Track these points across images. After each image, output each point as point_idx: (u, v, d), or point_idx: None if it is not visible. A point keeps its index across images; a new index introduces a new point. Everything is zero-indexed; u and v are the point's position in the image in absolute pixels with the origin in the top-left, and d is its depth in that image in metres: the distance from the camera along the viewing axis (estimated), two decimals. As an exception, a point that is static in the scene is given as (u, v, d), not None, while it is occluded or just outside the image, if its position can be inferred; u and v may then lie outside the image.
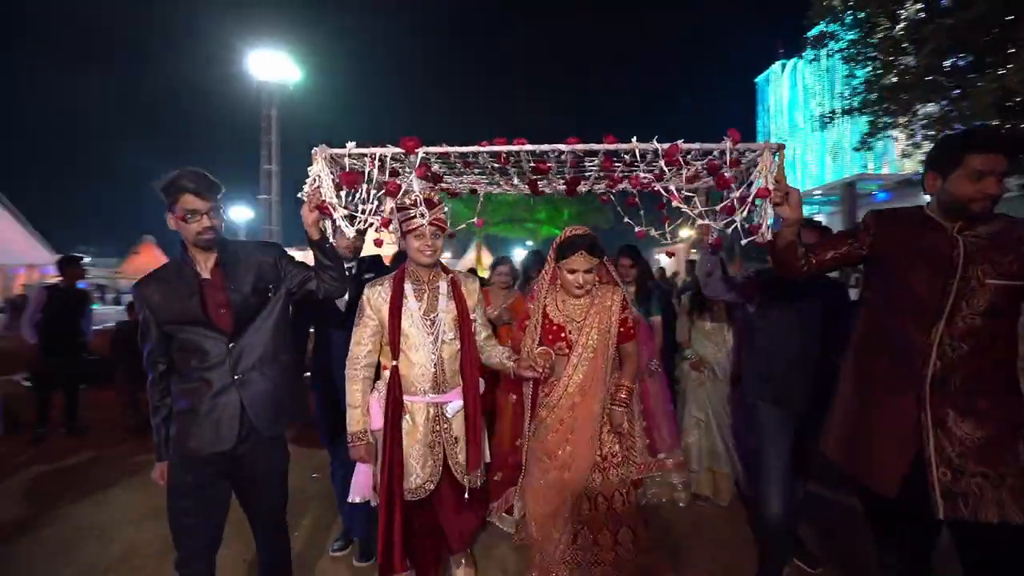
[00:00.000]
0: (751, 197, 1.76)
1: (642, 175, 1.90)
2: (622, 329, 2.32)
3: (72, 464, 4.72)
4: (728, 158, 1.77)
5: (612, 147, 1.84)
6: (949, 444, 1.64)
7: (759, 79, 31.19)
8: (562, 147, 1.84)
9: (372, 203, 1.91)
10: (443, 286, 2.27)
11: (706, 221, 1.83)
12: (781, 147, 1.77)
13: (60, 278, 5.58)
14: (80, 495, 3.96)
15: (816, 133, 22.45)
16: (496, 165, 2.03)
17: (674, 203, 1.81)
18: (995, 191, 1.65)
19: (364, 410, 2.20)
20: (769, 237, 1.80)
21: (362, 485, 2.29)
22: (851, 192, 17.90)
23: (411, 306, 2.18)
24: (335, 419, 2.72)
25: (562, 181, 2.28)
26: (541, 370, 2.14)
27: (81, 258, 6.08)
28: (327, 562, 2.94)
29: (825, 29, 9.83)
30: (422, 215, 2.07)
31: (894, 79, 9.28)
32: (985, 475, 1.60)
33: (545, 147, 1.85)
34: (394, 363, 2.15)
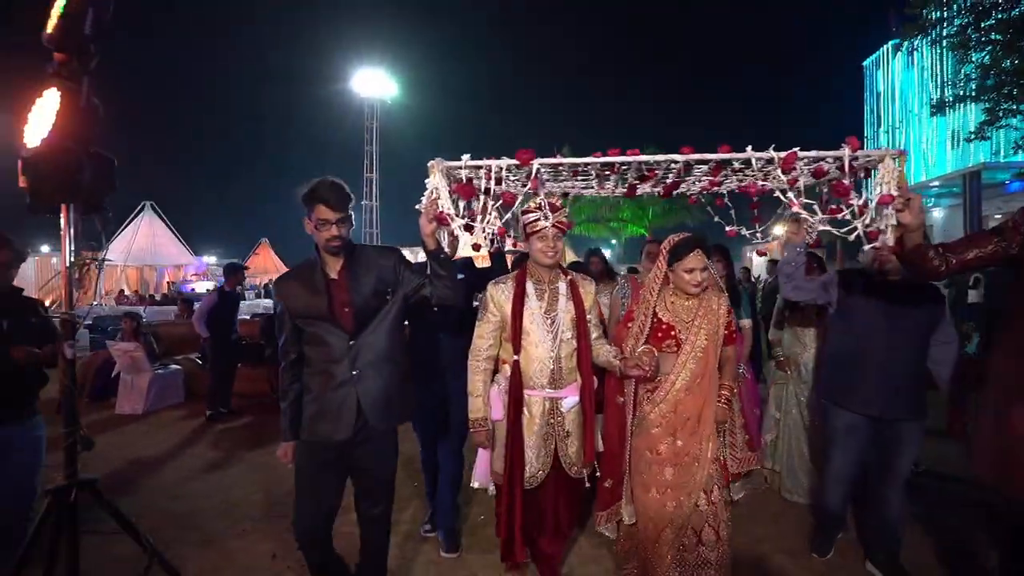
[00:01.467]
0: (873, 204, 1.62)
1: (760, 181, 1.79)
2: (727, 332, 2.26)
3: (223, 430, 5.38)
4: (846, 165, 1.65)
5: (728, 156, 1.76)
6: None
7: (867, 62, 28.11)
8: (677, 157, 1.78)
9: (491, 213, 1.93)
10: (562, 287, 2.28)
11: (825, 226, 1.70)
12: (903, 154, 1.63)
13: (226, 281, 6.27)
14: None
15: (934, 119, 19.29)
16: (606, 173, 2.00)
17: (793, 208, 1.70)
18: None
19: (485, 399, 2.26)
20: (891, 242, 1.65)
21: (482, 473, 2.37)
22: (976, 183, 15.05)
23: (532, 305, 2.21)
24: (431, 415, 2.83)
25: (658, 185, 2.21)
26: (648, 368, 2.10)
27: (245, 267, 6.85)
28: (418, 542, 3.01)
29: (931, 16, 8.94)
30: (546, 218, 2.08)
31: (1012, 64, 8.28)
32: None
33: (660, 157, 1.80)
34: (515, 358, 2.19)
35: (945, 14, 9.00)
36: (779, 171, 1.70)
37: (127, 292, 18.25)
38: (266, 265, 25.95)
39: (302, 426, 2.02)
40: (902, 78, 24.38)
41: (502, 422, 2.24)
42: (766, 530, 3.03)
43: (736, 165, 1.80)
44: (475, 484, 2.38)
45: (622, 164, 1.85)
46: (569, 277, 2.30)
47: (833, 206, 1.80)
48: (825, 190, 1.82)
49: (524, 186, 2.17)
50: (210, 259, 26.52)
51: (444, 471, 2.93)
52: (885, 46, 24.96)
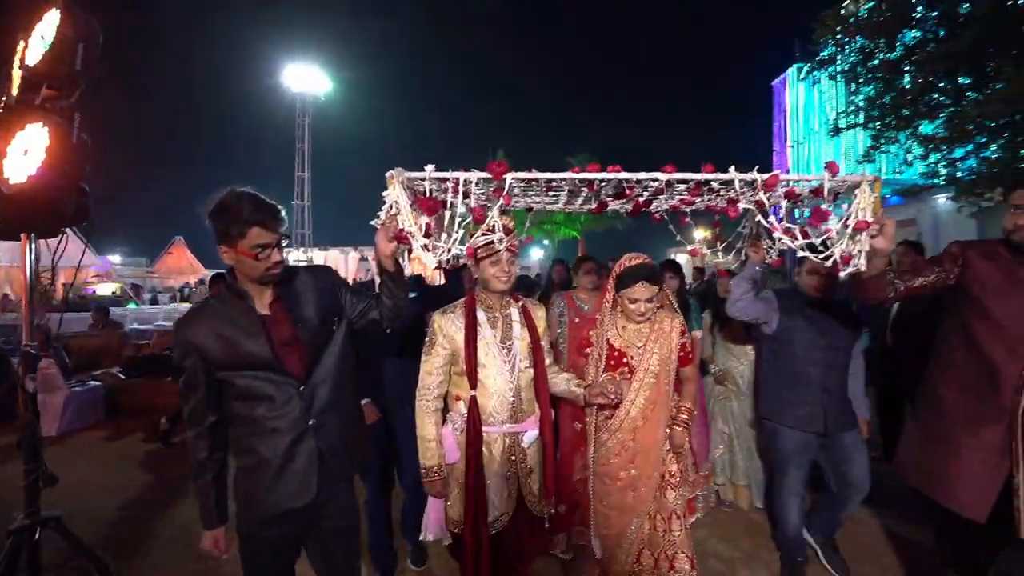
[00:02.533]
0: (850, 229, 1.56)
1: (740, 204, 1.68)
2: (682, 354, 2.17)
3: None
4: (825, 190, 1.57)
5: (711, 176, 1.63)
6: None
7: (775, 83, 30.23)
8: (659, 175, 1.63)
9: (457, 232, 1.68)
10: (515, 313, 2.07)
11: (803, 252, 1.61)
12: (877, 180, 1.58)
13: (211, 292, 5.45)
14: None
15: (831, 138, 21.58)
16: (581, 190, 1.82)
17: (775, 234, 1.60)
18: None
19: (438, 443, 1.98)
20: (863, 267, 1.62)
21: (434, 522, 2.05)
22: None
23: (486, 334, 1.98)
24: (380, 453, 2.54)
25: (629, 202, 2.07)
26: (612, 396, 1.95)
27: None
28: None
29: (828, 53, 9.64)
30: (500, 241, 1.86)
31: (892, 99, 9.09)
32: None
33: (642, 175, 1.64)
34: (472, 394, 1.94)
35: (838, 52, 9.72)
36: (761, 194, 1.59)
37: (11, 296, 15.87)
38: (181, 266, 23.86)
39: (247, 504, 1.62)
40: (805, 99, 26.55)
41: (458, 465, 1.98)
42: (738, 546, 2.99)
43: (715, 185, 1.68)
44: (430, 537, 2.06)
45: (601, 181, 1.67)
46: (521, 302, 2.09)
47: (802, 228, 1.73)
48: (805, 213, 1.75)
49: (489, 200, 1.95)
50: (114, 258, 24.03)
51: (408, 507, 2.68)
52: (791, 69, 26.97)
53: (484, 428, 1.94)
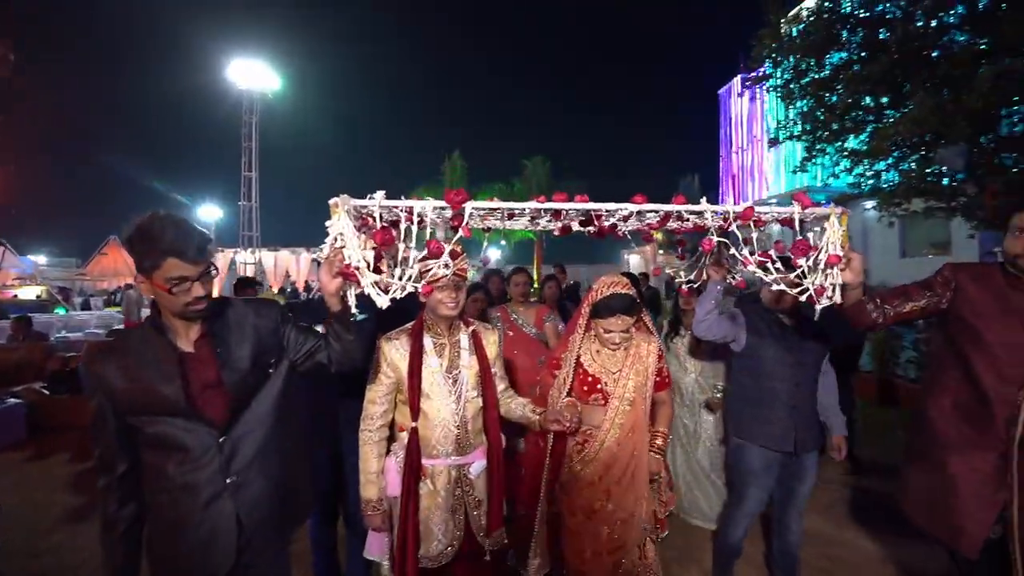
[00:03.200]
0: (822, 263, 1.48)
1: (713, 236, 1.56)
2: (658, 379, 2.06)
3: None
4: (797, 222, 1.49)
5: (684, 208, 1.52)
6: None
7: (722, 91, 31.08)
8: (630, 207, 1.50)
9: (412, 266, 1.47)
10: (464, 340, 1.92)
11: (780, 286, 1.51)
12: (845, 212, 1.50)
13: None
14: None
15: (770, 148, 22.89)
16: (545, 217, 1.66)
17: (748, 267, 1.50)
18: None
19: (380, 475, 1.83)
20: (839, 300, 1.54)
21: (375, 546, 1.91)
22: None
23: (432, 363, 1.83)
24: (325, 482, 2.31)
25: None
26: (568, 424, 1.82)
27: (257, 281, 5.52)
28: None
29: (766, 70, 10.02)
30: (446, 266, 1.67)
31: (822, 115, 9.52)
32: None
33: (611, 206, 1.50)
34: (413, 425, 1.79)
35: (775, 69, 10.12)
36: (734, 226, 1.49)
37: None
38: (116, 267, 22.21)
39: (157, 570, 1.39)
40: (748, 109, 27.67)
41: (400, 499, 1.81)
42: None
43: (684, 214, 1.57)
44: (371, 556, 1.93)
45: (567, 210, 1.52)
46: (471, 328, 1.93)
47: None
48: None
49: (445, 229, 1.77)
50: (40, 259, 22.07)
51: (349, 544, 2.41)
52: (736, 78, 28.01)
53: (428, 461, 1.80)
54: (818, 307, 1.50)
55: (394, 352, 1.82)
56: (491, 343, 1.97)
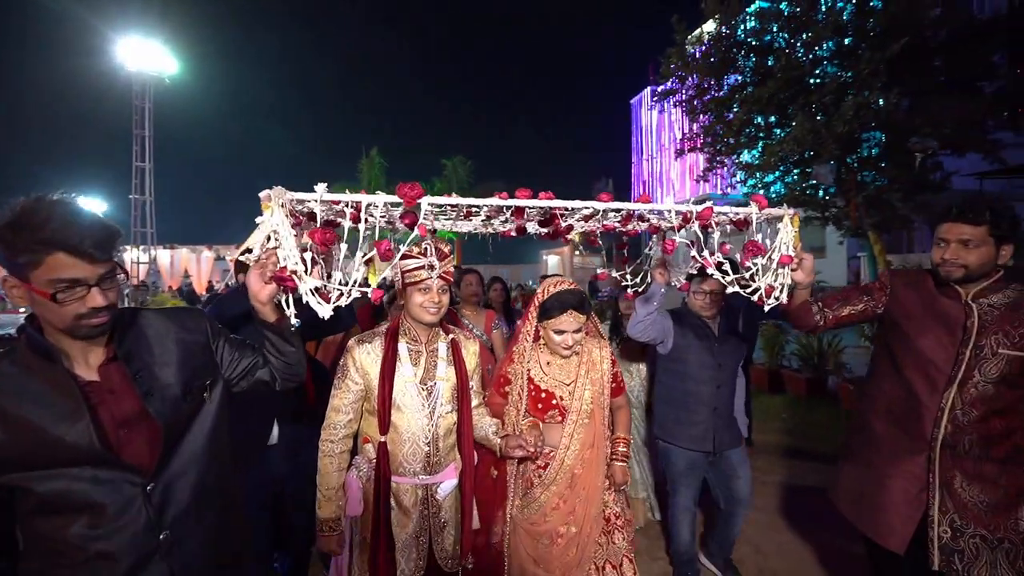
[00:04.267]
0: (774, 264, 1.48)
1: (675, 237, 1.51)
2: (614, 384, 1.95)
3: None
4: (753, 223, 1.48)
5: (647, 206, 1.46)
6: (953, 505, 1.53)
7: (633, 101, 31.92)
8: (597, 205, 1.41)
9: (358, 270, 1.27)
10: (442, 348, 1.71)
11: (734, 287, 1.49)
12: (796, 214, 1.53)
13: None
14: None
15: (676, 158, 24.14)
16: (504, 216, 1.52)
17: (708, 269, 1.47)
18: (952, 256, 1.53)
19: (340, 491, 1.59)
20: (784, 300, 1.55)
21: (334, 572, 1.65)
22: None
23: (406, 372, 1.62)
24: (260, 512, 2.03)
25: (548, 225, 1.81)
26: (533, 449, 1.68)
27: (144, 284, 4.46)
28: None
29: (671, 87, 10.62)
30: (431, 267, 1.52)
31: (720, 130, 10.27)
32: (984, 537, 1.50)
33: (577, 203, 1.39)
34: (382, 439, 1.57)
35: (680, 85, 10.75)
36: (696, 226, 1.45)
37: None
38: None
39: None
40: (657, 119, 28.89)
41: (362, 518, 1.61)
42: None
43: (646, 215, 1.51)
44: None
45: (531, 208, 1.39)
46: (451, 336, 1.75)
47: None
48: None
49: (392, 227, 1.58)
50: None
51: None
52: (646, 89, 29.22)
53: (394, 478, 1.60)
54: (766, 307, 1.50)
55: (365, 356, 1.60)
56: (471, 354, 1.78)
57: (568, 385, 1.84)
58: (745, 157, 10.36)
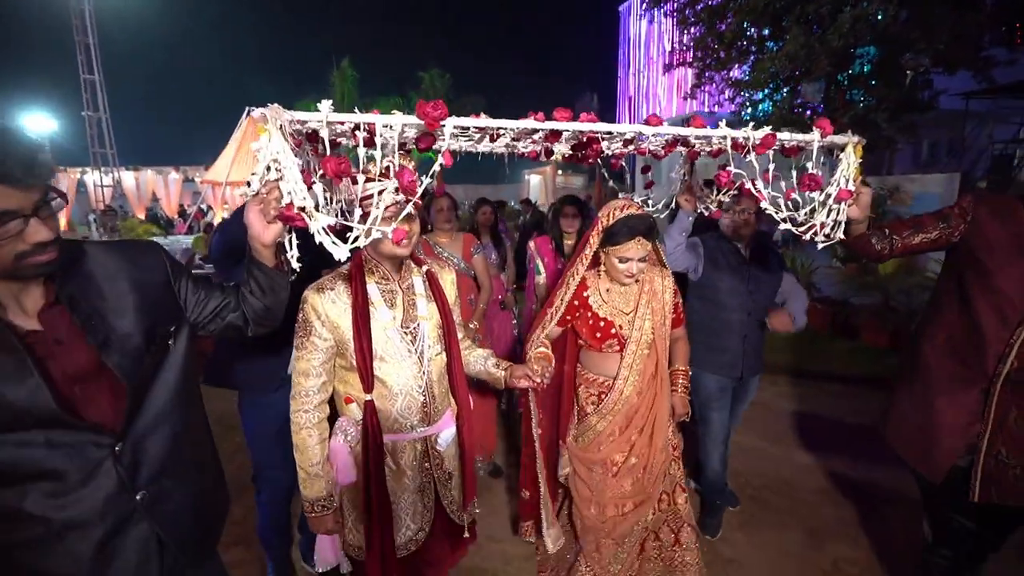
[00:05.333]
0: (831, 199, 1.32)
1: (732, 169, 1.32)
2: (674, 315, 1.81)
3: None
4: (815, 152, 1.29)
5: (701, 132, 1.24)
6: (1002, 439, 1.48)
7: (622, 8, 29.03)
8: (644, 129, 1.19)
9: (378, 204, 1.05)
10: (418, 283, 1.49)
11: (786, 225, 1.33)
12: (860, 142, 1.33)
13: None
14: None
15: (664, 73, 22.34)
16: (534, 137, 1.30)
17: (762, 203, 1.29)
18: None
19: (326, 465, 1.39)
20: (841, 236, 1.40)
21: (328, 550, 1.50)
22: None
23: (382, 316, 1.38)
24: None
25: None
26: (539, 380, 1.55)
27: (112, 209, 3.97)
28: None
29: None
30: (398, 191, 1.18)
31: (712, 42, 9.61)
32: None
33: (624, 127, 1.17)
34: (368, 397, 1.37)
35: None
36: (752, 156, 1.26)
37: None
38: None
39: None
40: (646, 30, 26.30)
41: (357, 484, 1.45)
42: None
43: (692, 140, 1.31)
44: (322, 568, 1.51)
45: (571, 131, 1.18)
46: (425, 267, 1.52)
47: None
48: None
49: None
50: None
51: (263, 525, 2.00)
52: None
53: (388, 436, 1.42)
54: (820, 246, 1.36)
55: (329, 306, 1.34)
56: (448, 283, 1.58)
57: (628, 314, 1.71)
58: (735, 74, 9.82)
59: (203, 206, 13.55)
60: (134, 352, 0.97)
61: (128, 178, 18.70)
